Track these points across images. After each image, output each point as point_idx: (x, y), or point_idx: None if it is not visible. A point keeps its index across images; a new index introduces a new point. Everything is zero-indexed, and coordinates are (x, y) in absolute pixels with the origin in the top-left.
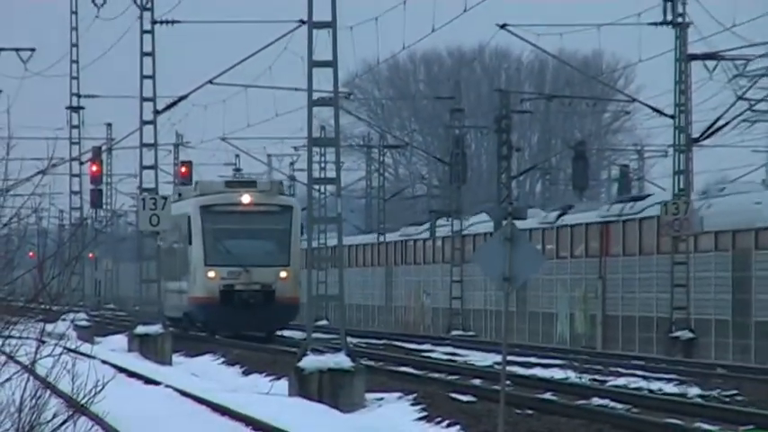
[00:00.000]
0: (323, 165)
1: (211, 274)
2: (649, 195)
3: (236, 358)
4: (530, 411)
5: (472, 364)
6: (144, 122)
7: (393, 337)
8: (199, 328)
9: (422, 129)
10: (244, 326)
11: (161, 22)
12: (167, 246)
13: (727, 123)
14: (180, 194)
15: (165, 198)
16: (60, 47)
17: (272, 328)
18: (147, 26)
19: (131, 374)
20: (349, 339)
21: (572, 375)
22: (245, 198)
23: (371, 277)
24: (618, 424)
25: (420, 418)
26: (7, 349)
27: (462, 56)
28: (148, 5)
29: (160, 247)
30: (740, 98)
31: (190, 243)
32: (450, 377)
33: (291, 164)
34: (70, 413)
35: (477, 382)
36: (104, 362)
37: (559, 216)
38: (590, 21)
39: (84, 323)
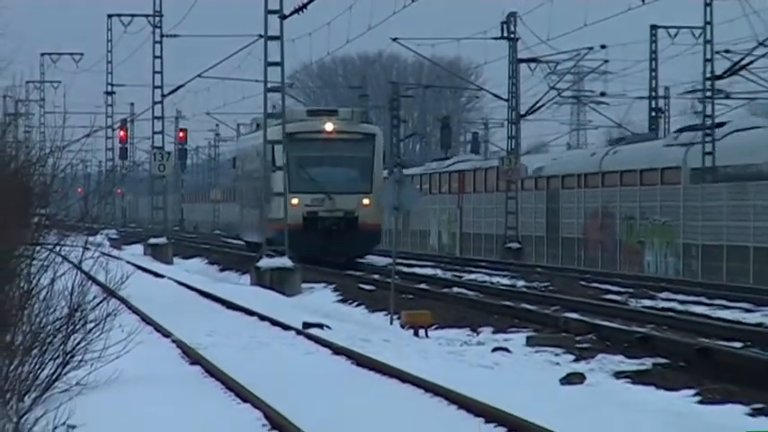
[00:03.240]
0: None
1: (295, 201)
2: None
3: (216, 259)
4: (411, 296)
5: (373, 265)
6: (155, 102)
7: None
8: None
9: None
10: (326, 252)
11: (167, 36)
12: (247, 174)
13: (543, 105)
14: (258, 125)
15: (168, 153)
16: (100, 52)
17: (354, 255)
18: (158, 38)
19: (145, 270)
20: None
21: (439, 272)
22: (329, 126)
23: None
24: (470, 305)
25: (338, 300)
26: (63, 252)
27: (367, 58)
28: (159, 24)
29: (237, 175)
30: (552, 88)
31: (273, 170)
32: (357, 273)
33: None
34: (105, 296)
35: (376, 276)
36: (128, 262)
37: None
38: (453, 35)
39: (114, 236)
